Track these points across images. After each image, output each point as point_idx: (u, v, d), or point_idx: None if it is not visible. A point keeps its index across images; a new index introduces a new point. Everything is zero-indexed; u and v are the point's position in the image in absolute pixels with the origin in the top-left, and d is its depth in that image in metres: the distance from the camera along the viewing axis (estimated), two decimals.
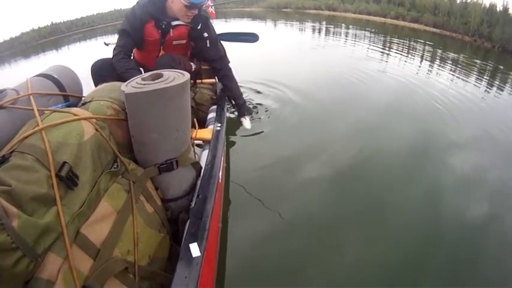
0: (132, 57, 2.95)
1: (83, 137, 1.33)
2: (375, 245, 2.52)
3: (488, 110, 5.66)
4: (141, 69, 2.79)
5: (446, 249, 2.51)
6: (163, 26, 2.69)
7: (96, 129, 1.41)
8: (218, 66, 3.06)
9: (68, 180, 1.20)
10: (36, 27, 22.58)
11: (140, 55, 2.95)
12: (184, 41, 2.84)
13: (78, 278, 1.13)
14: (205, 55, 2.97)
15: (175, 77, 1.56)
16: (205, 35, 2.84)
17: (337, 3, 25.33)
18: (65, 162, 1.21)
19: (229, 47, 3.46)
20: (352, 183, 3.17)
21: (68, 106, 1.80)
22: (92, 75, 2.73)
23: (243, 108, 3.20)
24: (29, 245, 1.01)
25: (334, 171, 3.29)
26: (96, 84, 2.65)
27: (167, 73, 1.61)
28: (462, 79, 7.46)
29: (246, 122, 3.23)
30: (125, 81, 2.43)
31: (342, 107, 5.05)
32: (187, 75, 1.58)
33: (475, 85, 7.05)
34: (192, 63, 3.07)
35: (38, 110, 1.45)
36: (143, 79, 1.57)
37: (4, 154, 1.19)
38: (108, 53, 3.07)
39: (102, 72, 2.65)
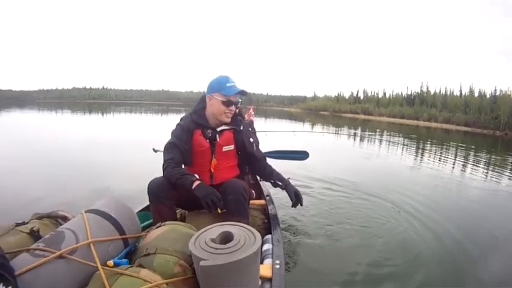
0: None
1: None
2: None
3: None
4: (196, 175, 2.51)
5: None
6: (209, 135, 2.65)
7: None
8: (264, 165, 2.99)
9: None
10: (88, 87, 24.38)
11: (193, 171, 2.66)
12: (232, 147, 2.73)
13: None
14: (252, 158, 2.88)
15: (246, 239, 1.56)
16: (251, 140, 2.85)
17: (372, 107, 26.32)
18: None
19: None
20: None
21: (129, 252, 1.80)
22: (148, 193, 2.50)
23: (290, 187, 2.96)
24: None
25: None
26: (151, 202, 2.51)
27: (236, 233, 1.60)
28: (495, 180, 7.53)
29: (299, 200, 3.03)
30: (180, 186, 2.38)
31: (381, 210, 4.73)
32: (258, 237, 1.58)
33: (508, 185, 7.10)
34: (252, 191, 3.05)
35: (102, 268, 1.45)
36: (212, 240, 1.56)
37: None
38: (156, 159, 3.23)
39: (160, 192, 2.45)
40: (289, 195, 2.95)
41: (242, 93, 2.65)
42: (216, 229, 1.66)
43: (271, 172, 2.99)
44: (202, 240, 1.55)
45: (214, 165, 2.66)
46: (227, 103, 2.57)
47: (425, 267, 3.26)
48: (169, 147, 2.60)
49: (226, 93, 2.56)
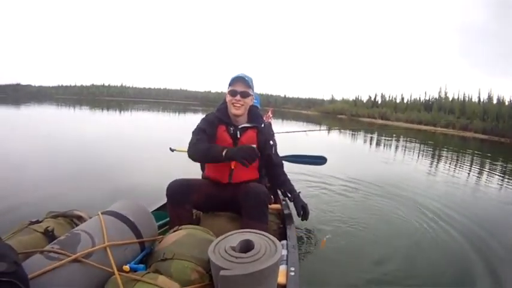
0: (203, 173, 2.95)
1: None
2: None
3: None
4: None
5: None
6: (231, 131, 2.69)
7: None
8: (279, 171, 3.03)
9: None
10: (106, 84, 25.13)
11: (212, 170, 2.77)
12: (254, 146, 2.64)
13: None
14: (269, 160, 2.89)
15: (266, 248, 1.53)
16: (271, 142, 2.86)
17: (390, 112, 26.11)
18: None
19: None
20: None
21: (145, 256, 1.78)
22: (167, 195, 2.51)
23: (299, 199, 3.02)
24: None
25: None
26: (170, 205, 2.50)
27: (257, 241, 1.57)
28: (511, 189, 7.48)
29: (306, 215, 3.05)
30: (210, 158, 2.54)
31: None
32: (279, 247, 1.55)
33: None
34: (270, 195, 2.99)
35: (119, 274, 1.43)
36: (232, 248, 1.53)
37: None
38: (172, 158, 3.62)
39: (179, 195, 2.46)
40: (296, 208, 3.01)
41: (240, 79, 2.67)
42: (236, 236, 1.64)
43: (284, 181, 3.05)
44: (222, 247, 1.53)
45: (235, 164, 2.62)
46: (231, 92, 2.64)
47: (451, 271, 3.23)
48: (198, 130, 2.66)
49: (230, 83, 2.68)
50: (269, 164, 2.91)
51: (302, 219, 3.06)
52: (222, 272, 1.36)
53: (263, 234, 1.65)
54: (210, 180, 2.74)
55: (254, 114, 2.81)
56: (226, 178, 2.67)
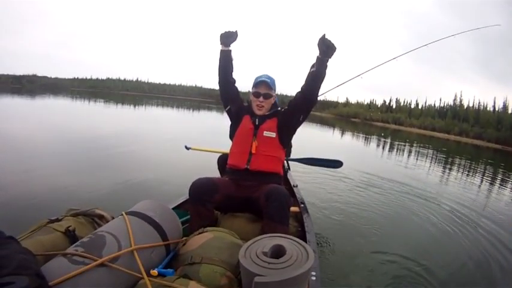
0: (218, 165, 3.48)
1: None
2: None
3: None
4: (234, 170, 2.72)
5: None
6: (253, 119, 2.80)
7: None
8: (302, 89, 2.78)
9: None
10: (122, 78, 25.64)
11: (233, 156, 2.84)
12: (274, 135, 2.75)
13: None
14: (299, 97, 2.76)
15: (298, 253, 1.48)
16: (282, 110, 2.85)
17: (404, 118, 26.07)
18: None
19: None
20: None
21: (172, 258, 1.74)
22: (190, 193, 2.47)
23: (323, 47, 2.54)
24: None
25: None
26: (192, 203, 2.47)
27: (288, 247, 1.52)
28: None
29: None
30: (222, 57, 2.81)
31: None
32: (310, 252, 1.50)
33: None
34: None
35: (149, 281, 1.37)
36: (264, 253, 1.47)
37: None
38: (188, 156, 3.55)
39: (203, 195, 2.45)
40: (320, 49, 2.56)
41: (263, 82, 2.76)
42: (266, 241, 1.57)
43: (310, 74, 2.70)
44: (253, 252, 1.47)
45: (256, 147, 2.69)
46: (255, 94, 2.78)
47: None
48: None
49: (254, 85, 2.81)
50: (300, 97, 2.75)
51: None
52: (257, 279, 1.30)
53: (292, 239, 1.59)
54: (230, 169, 2.78)
55: (272, 105, 2.89)
56: (244, 162, 2.68)
